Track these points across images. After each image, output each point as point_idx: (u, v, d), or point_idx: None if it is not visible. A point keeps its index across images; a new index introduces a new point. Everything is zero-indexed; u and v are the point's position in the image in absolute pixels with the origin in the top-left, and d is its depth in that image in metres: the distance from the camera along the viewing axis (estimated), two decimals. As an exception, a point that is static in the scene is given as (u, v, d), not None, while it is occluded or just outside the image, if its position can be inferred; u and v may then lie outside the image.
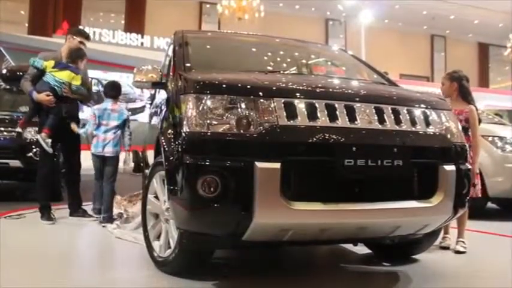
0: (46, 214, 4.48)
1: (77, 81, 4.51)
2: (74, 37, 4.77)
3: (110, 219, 4.43)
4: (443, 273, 3.23)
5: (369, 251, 3.59)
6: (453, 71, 4.22)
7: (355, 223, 2.55)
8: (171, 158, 2.54)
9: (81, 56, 4.63)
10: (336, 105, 2.52)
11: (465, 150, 2.90)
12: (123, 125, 4.68)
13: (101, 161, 4.64)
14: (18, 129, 4.82)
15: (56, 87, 4.43)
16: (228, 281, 2.88)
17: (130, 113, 4.70)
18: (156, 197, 3.04)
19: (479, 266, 3.46)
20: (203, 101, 2.45)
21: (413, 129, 2.67)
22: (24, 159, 5.53)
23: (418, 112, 2.75)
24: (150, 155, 4.13)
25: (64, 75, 4.46)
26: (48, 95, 4.38)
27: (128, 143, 4.72)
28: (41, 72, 4.50)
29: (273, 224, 2.39)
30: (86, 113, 5.63)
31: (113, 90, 4.79)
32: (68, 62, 4.55)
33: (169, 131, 2.68)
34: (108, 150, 4.58)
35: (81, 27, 11.54)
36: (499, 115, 7.66)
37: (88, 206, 4.80)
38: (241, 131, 2.38)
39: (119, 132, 4.65)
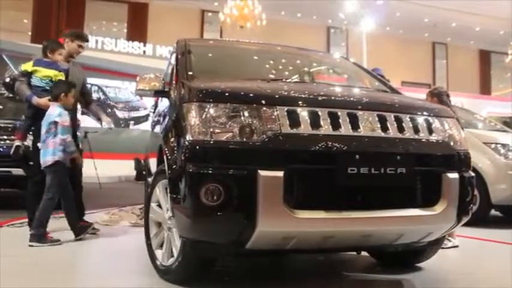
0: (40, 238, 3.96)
1: (60, 78, 4.34)
2: (72, 40, 4.63)
3: (39, 238, 3.88)
4: (445, 280, 3.23)
5: (372, 259, 3.58)
6: (434, 87, 4.65)
7: (359, 231, 2.55)
8: (174, 166, 2.54)
9: (49, 47, 4.38)
10: (339, 113, 2.52)
11: (468, 157, 2.89)
12: (58, 130, 4.00)
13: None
14: (17, 143, 4.53)
15: (46, 87, 4.24)
16: (231, 290, 2.87)
17: (61, 112, 4.02)
18: (159, 206, 3.03)
19: (481, 273, 3.44)
20: (206, 110, 2.45)
21: (416, 136, 2.67)
22: (27, 167, 5.53)
23: (420, 120, 2.75)
24: (152, 162, 4.13)
25: (49, 73, 4.29)
26: (50, 100, 4.21)
27: (57, 153, 3.95)
28: (29, 77, 4.32)
29: (276, 232, 2.38)
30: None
31: (52, 89, 4.20)
32: (43, 57, 4.36)
33: (172, 139, 2.68)
34: (42, 161, 4.02)
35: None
36: (507, 122, 7.64)
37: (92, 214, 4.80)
38: (244, 139, 2.38)
39: (56, 138, 3.99)
